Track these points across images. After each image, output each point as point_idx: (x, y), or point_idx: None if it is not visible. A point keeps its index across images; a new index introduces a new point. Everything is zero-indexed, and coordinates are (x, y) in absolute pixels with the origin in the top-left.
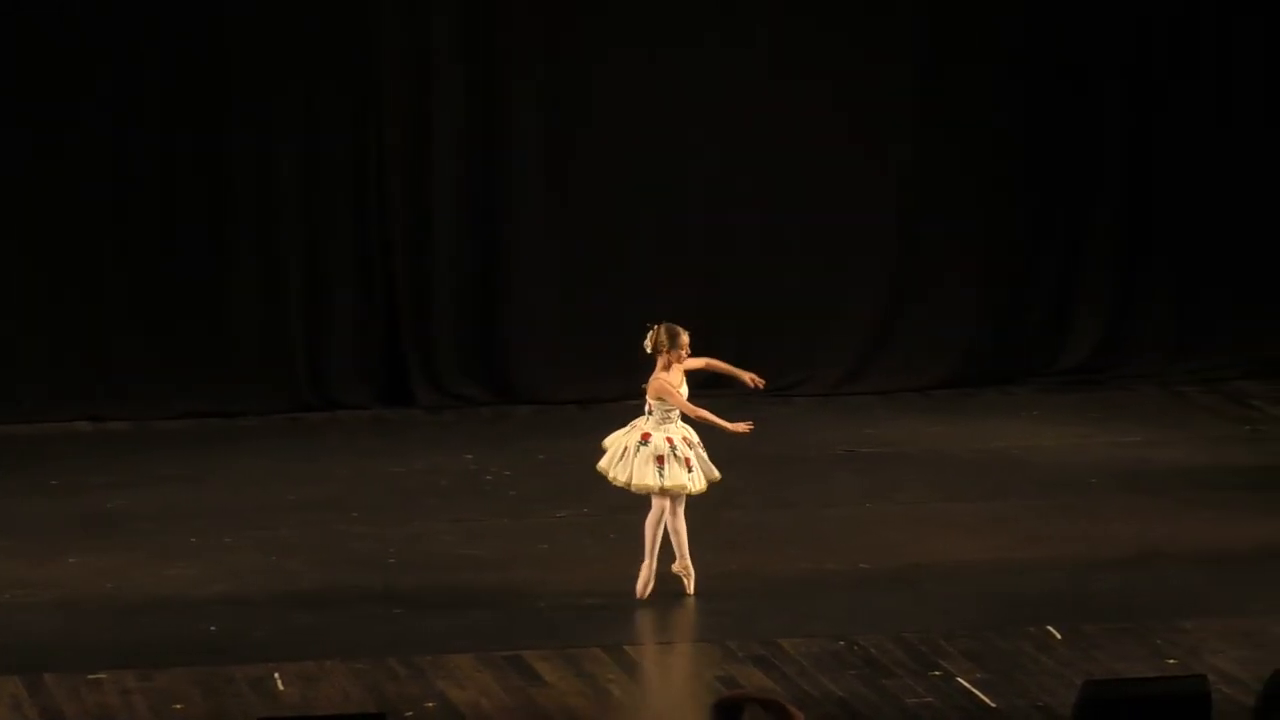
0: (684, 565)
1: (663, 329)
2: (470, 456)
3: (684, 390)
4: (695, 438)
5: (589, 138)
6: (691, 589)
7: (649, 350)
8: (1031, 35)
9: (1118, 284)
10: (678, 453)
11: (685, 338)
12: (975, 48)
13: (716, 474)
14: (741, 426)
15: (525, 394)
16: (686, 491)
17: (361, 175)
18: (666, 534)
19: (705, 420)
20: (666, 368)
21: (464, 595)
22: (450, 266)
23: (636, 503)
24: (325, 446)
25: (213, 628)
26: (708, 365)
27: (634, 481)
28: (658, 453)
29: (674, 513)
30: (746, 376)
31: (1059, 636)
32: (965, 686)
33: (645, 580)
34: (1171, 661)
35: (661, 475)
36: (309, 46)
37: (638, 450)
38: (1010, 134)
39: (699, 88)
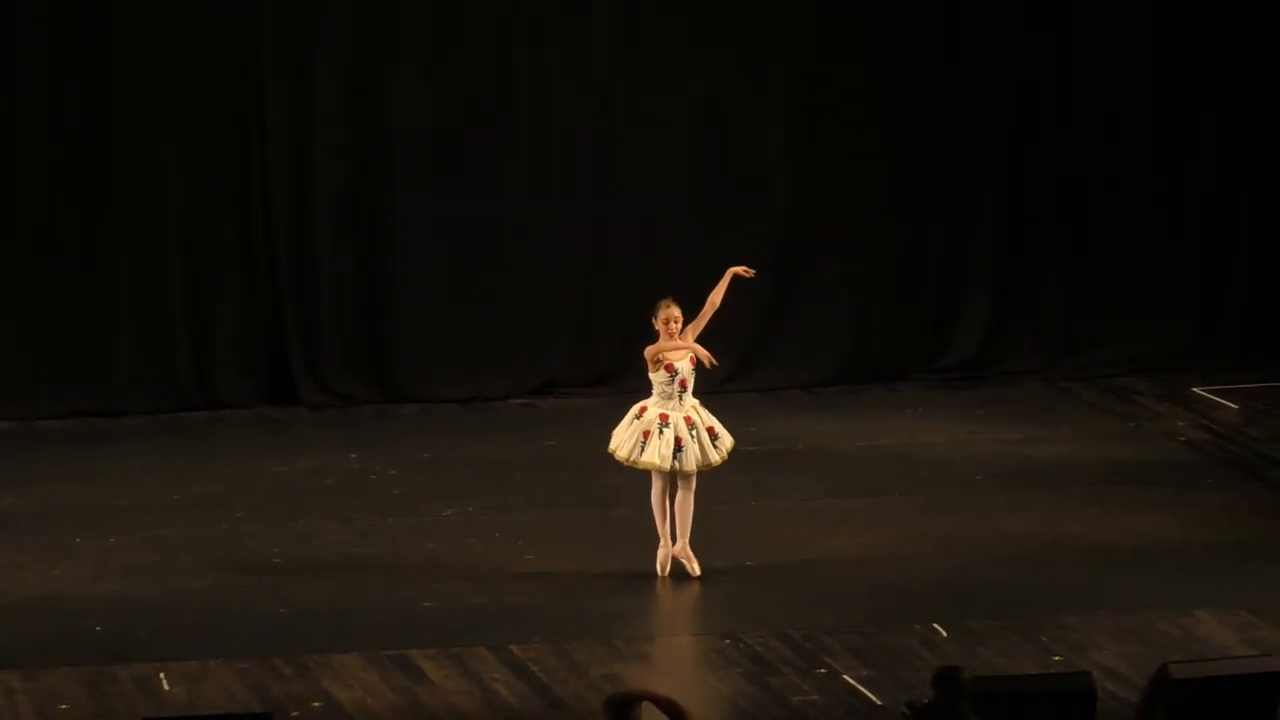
0: (681, 548)
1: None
2: (355, 455)
3: (682, 366)
4: (704, 419)
5: (472, 137)
6: (696, 571)
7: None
8: (913, 35)
9: (1002, 281)
10: (665, 431)
11: (663, 312)
12: (856, 49)
13: (715, 458)
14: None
15: (409, 393)
16: (655, 469)
17: (244, 174)
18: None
19: (713, 305)
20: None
21: (350, 594)
22: (333, 265)
23: (522, 502)
24: (210, 446)
25: (98, 627)
26: (710, 305)
27: (611, 446)
28: (645, 427)
29: (681, 490)
30: (740, 270)
31: (944, 633)
32: (851, 684)
33: (662, 559)
34: (1057, 658)
35: (641, 450)
36: (191, 42)
37: (631, 423)
38: (893, 130)
39: (582, 88)
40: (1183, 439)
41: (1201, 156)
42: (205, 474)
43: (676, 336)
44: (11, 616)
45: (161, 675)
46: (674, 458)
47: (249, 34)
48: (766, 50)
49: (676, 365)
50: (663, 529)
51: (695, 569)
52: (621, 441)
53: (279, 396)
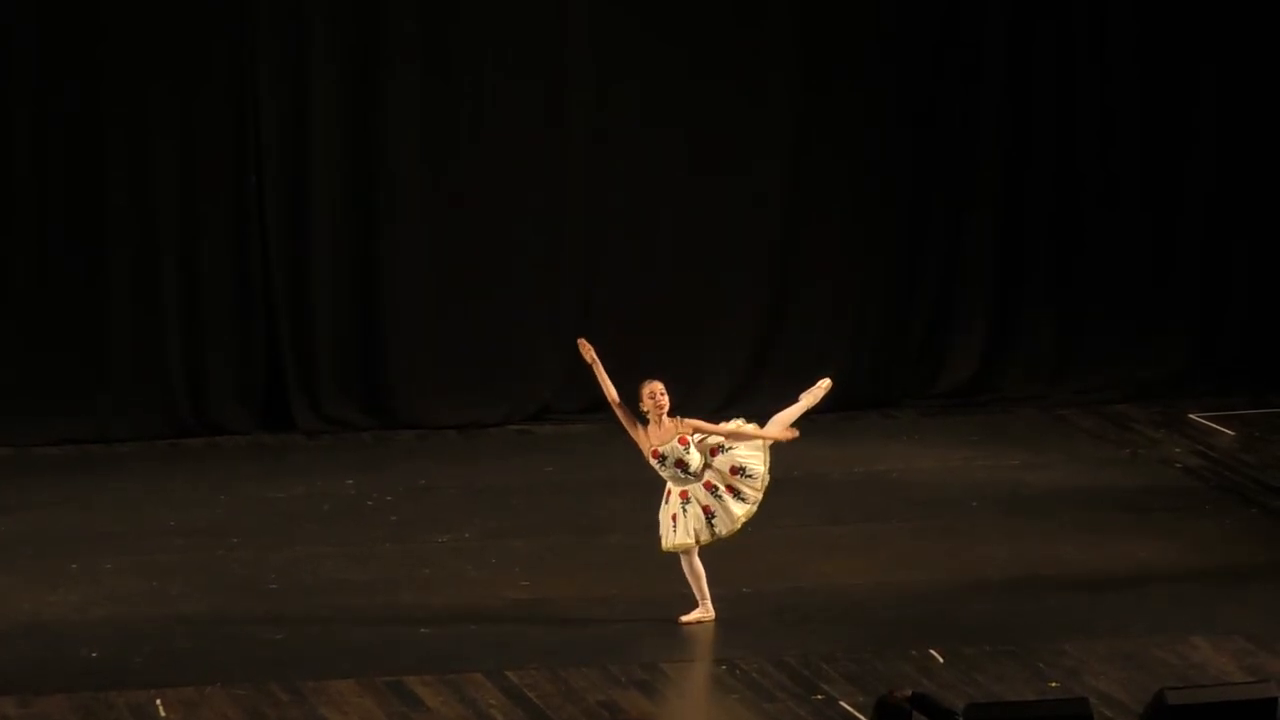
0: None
1: None
2: (351, 481)
3: (667, 449)
4: (700, 498)
5: (465, 164)
6: (687, 617)
7: None
8: (905, 59)
9: (997, 308)
10: (689, 507)
11: (644, 390)
12: (850, 71)
13: (745, 511)
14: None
15: (406, 419)
16: (689, 549)
17: (239, 204)
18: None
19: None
20: (655, 423)
21: (346, 620)
22: (329, 293)
23: (518, 528)
24: (206, 472)
25: (94, 654)
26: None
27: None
28: (673, 510)
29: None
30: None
31: (941, 659)
32: (848, 710)
33: (697, 616)
34: (1053, 684)
35: (674, 534)
36: (184, 72)
37: (663, 507)
38: (886, 160)
39: (574, 113)
40: (1179, 465)
41: (1198, 182)
42: (201, 500)
43: (666, 411)
44: (6, 643)
45: (158, 702)
46: (710, 528)
47: (241, 60)
48: (762, 73)
49: (662, 450)
50: (701, 593)
51: (691, 616)
52: (662, 528)
53: (275, 423)
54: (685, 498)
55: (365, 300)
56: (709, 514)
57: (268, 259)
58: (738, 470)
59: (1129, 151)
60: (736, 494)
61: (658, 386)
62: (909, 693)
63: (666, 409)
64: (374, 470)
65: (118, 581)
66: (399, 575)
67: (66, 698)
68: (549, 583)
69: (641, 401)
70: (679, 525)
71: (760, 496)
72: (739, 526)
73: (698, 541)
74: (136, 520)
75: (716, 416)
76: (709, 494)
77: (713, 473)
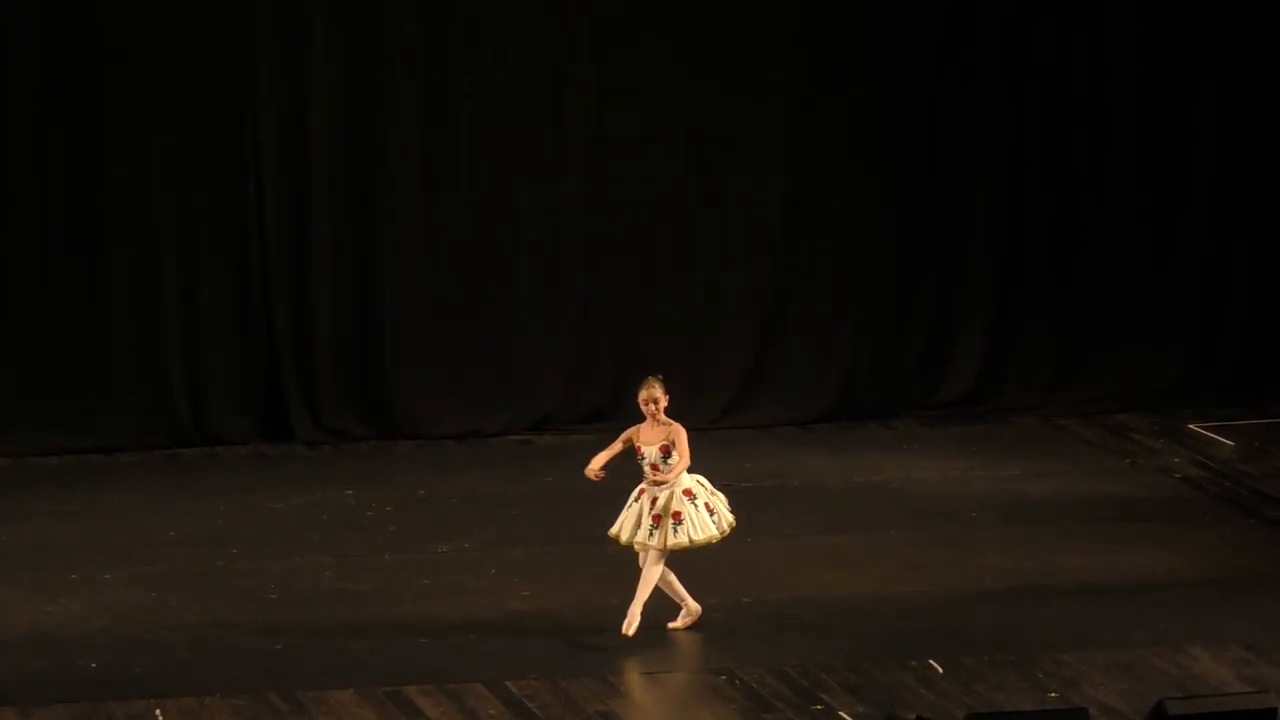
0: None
1: None
2: (350, 491)
3: (648, 450)
4: (669, 505)
5: (466, 175)
6: (675, 624)
7: None
8: (904, 66)
9: (997, 317)
10: (634, 505)
11: (642, 393)
12: (850, 71)
13: (652, 542)
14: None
15: (405, 429)
16: (613, 536)
17: (240, 213)
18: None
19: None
20: (650, 422)
21: (345, 630)
22: (330, 297)
23: (517, 537)
24: (205, 482)
25: (93, 664)
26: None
27: None
28: (631, 498)
29: (649, 562)
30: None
31: (940, 670)
32: None
33: (683, 621)
34: (1053, 694)
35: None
36: (184, 72)
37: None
38: (885, 167)
39: (577, 108)
40: (1179, 476)
41: (1198, 183)
42: (201, 510)
43: (658, 417)
44: (6, 653)
45: (157, 712)
46: (623, 529)
47: (240, 72)
48: (762, 81)
49: (643, 449)
50: (679, 596)
51: (628, 629)
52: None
53: (275, 433)
54: (640, 495)
55: (365, 306)
56: (638, 522)
57: (267, 259)
58: (660, 519)
59: (1129, 151)
60: (711, 511)
61: (653, 393)
62: (913, 717)
63: (658, 413)
64: (373, 480)
65: (117, 592)
66: (398, 585)
67: (66, 708)
68: (549, 593)
69: (639, 395)
70: (622, 514)
71: (722, 529)
72: (643, 546)
73: (618, 540)
74: (136, 530)
75: (720, 422)
76: (649, 505)
77: (696, 484)
